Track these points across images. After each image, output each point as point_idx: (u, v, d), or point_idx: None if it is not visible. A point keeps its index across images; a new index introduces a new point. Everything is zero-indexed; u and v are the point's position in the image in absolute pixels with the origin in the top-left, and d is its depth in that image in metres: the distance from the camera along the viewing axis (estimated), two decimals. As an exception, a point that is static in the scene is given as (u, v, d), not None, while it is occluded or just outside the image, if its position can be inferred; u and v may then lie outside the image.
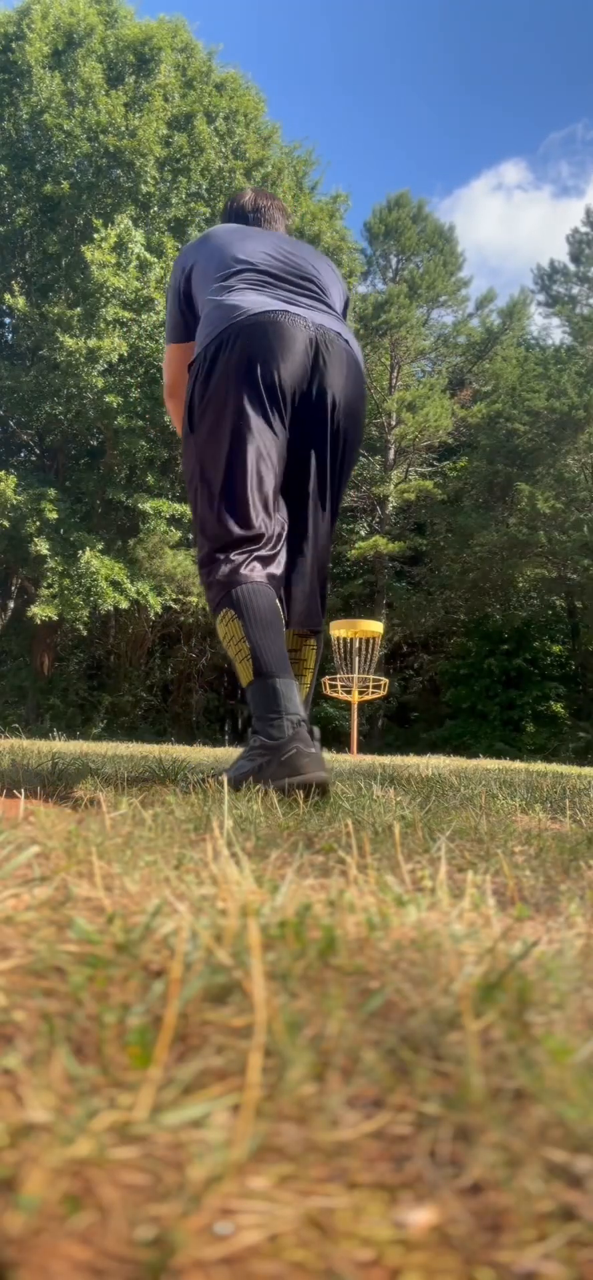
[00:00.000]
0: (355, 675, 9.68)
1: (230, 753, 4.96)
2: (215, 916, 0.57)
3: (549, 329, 26.08)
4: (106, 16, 17.62)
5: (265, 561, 1.85)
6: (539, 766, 6.02)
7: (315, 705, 16.58)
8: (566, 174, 59.21)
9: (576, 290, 24.60)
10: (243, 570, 1.80)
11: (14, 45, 16.61)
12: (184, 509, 16.07)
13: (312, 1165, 0.31)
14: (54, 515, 15.78)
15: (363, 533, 23.35)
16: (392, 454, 23.77)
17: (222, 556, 1.82)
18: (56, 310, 15.55)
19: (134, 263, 15.61)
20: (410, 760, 5.94)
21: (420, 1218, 0.29)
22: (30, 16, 16.60)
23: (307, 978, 0.49)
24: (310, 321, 1.90)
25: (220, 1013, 0.44)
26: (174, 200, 16.99)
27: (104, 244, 15.12)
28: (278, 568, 1.90)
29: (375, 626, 9.72)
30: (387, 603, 22.60)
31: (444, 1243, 0.28)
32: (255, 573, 1.80)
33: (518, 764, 6.65)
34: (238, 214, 2.34)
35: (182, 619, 19.45)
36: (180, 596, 17.39)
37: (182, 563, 16.74)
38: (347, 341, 1.97)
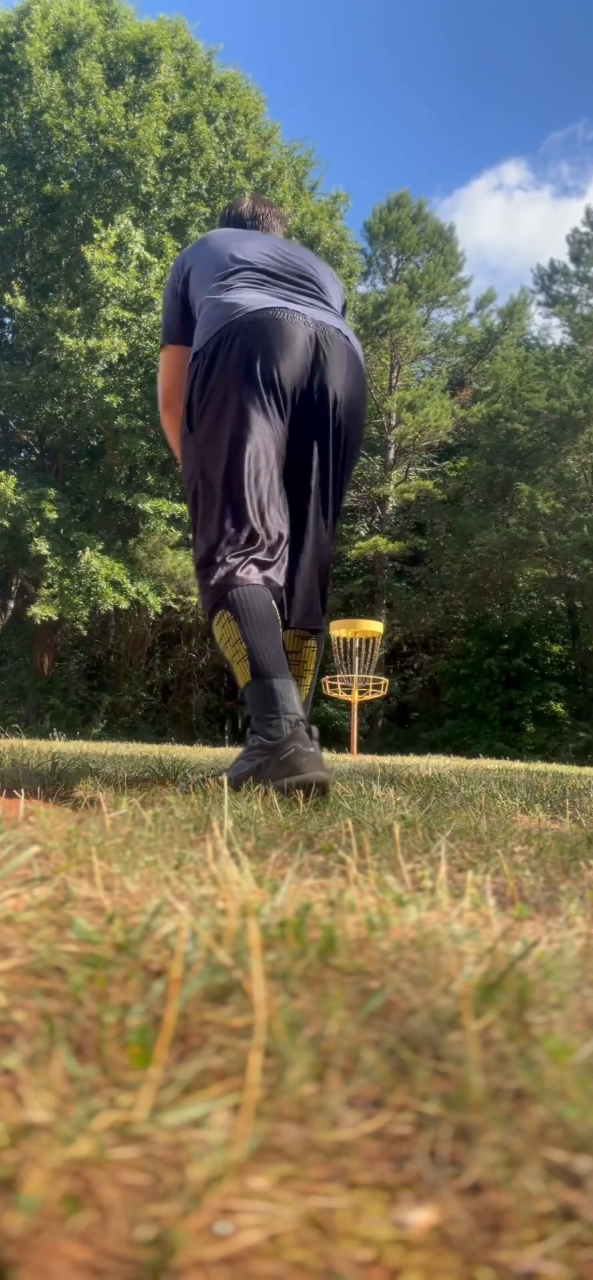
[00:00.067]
0: (355, 675, 9.68)
1: (230, 753, 4.96)
2: (215, 916, 0.57)
3: (549, 329, 26.11)
4: (106, 16, 17.62)
5: (263, 565, 1.84)
6: (539, 766, 6.02)
7: (315, 705, 16.58)
8: (566, 174, 59.22)
9: (576, 290, 24.62)
10: (239, 573, 1.79)
11: (14, 45, 16.61)
12: (184, 509, 16.06)
13: (312, 1165, 0.31)
14: (54, 515, 15.79)
15: (363, 533, 23.36)
16: (392, 454, 23.77)
17: (219, 559, 1.81)
18: (56, 310, 15.55)
19: (134, 263, 15.61)
20: (410, 760, 5.94)
21: (420, 1218, 0.29)
22: (30, 16, 16.60)
23: (307, 978, 0.49)
24: (310, 318, 1.89)
25: (220, 1013, 0.44)
26: (174, 200, 16.99)
27: (104, 244, 15.12)
28: (277, 574, 1.87)
29: (375, 626, 9.72)
30: (387, 603, 22.60)
31: (444, 1243, 0.28)
32: (252, 575, 1.79)
33: (518, 764, 6.65)
34: (236, 221, 2.33)
35: (182, 619, 19.45)
36: (180, 596, 17.39)
37: (182, 563, 16.74)
38: (347, 338, 1.96)
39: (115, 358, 15.64)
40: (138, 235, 15.71)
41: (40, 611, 15.39)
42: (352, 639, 9.91)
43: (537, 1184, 0.31)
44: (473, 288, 42.38)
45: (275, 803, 1.35)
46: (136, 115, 16.33)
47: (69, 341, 15.09)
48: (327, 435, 1.93)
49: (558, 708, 20.25)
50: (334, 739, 14.54)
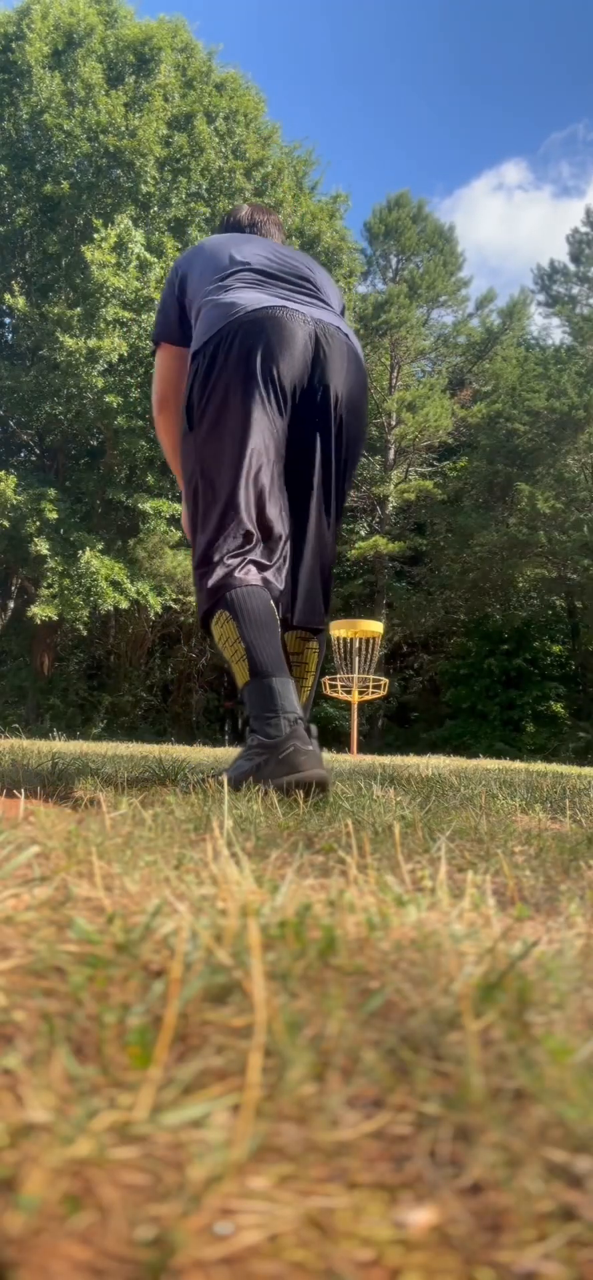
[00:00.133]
0: (355, 675, 9.68)
1: (230, 753, 4.96)
2: (215, 916, 0.57)
3: (549, 329, 26.11)
4: (106, 16, 17.62)
5: (262, 566, 1.83)
6: (539, 766, 6.02)
7: (315, 705, 16.58)
8: (566, 174, 59.21)
9: (576, 290, 24.62)
10: (238, 574, 1.78)
11: (14, 45, 16.62)
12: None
13: (312, 1165, 0.31)
14: (54, 515, 15.79)
15: (363, 533, 23.36)
16: (392, 454, 23.77)
17: (217, 558, 1.81)
18: (56, 310, 15.55)
19: (134, 263, 15.61)
20: (410, 760, 5.94)
21: (420, 1218, 0.29)
22: (30, 16, 16.60)
23: (307, 978, 0.49)
24: (309, 316, 1.89)
25: (220, 1013, 0.44)
26: (174, 200, 16.99)
27: (104, 244, 15.12)
28: (277, 575, 1.87)
29: (375, 626, 9.73)
30: (387, 603, 22.60)
31: (444, 1243, 0.28)
32: (250, 575, 1.79)
33: (518, 764, 6.65)
34: (234, 227, 2.35)
35: (181, 619, 19.45)
36: (180, 596, 17.39)
37: (182, 563, 16.75)
38: (346, 335, 1.96)
39: (115, 358, 15.64)
40: (138, 235, 15.71)
41: (40, 611, 15.40)
42: (352, 639, 9.92)
43: (537, 1184, 0.31)
44: (473, 288, 42.45)
45: (275, 802, 1.35)
46: (136, 115, 16.33)
47: (69, 341, 15.09)
48: (328, 433, 1.93)
49: (558, 708, 20.25)
50: (334, 739, 14.54)
